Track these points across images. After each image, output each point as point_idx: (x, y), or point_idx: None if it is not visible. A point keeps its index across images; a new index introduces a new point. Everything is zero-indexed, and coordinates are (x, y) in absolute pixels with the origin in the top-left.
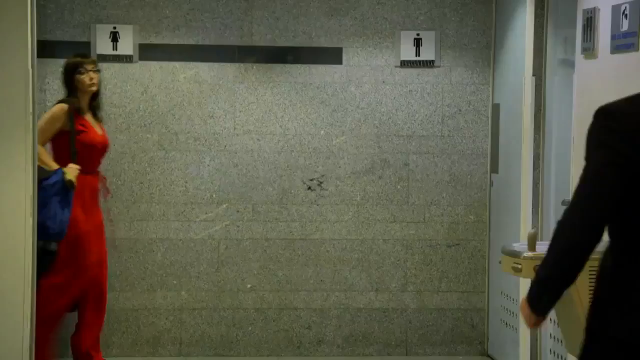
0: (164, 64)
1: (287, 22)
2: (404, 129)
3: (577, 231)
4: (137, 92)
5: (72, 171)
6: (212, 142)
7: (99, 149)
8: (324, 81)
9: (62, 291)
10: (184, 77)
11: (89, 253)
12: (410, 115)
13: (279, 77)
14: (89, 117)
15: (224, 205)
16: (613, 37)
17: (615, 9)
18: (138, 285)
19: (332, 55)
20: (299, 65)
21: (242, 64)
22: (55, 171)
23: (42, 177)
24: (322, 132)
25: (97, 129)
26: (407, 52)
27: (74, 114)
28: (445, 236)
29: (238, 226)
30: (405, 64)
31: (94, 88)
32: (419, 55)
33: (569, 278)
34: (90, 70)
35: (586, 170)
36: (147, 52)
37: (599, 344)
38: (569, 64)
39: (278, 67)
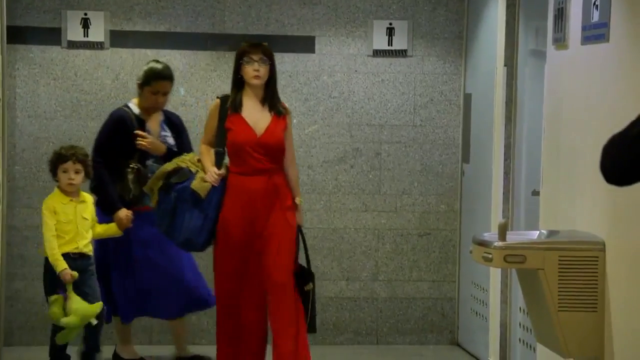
0: (136, 51)
1: (259, 10)
2: (376, 118)
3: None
4: (108, 79)
5: (209, 177)
6: None
7: (249, 149)
8: (296, 70)
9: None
10: None
11: (240, 263)
12: (383, 105)
13: None
14: (252, 113)
15: None
16: (584, 28)
17: (586, 0)
18: None
19: (304, 44)
20: None
21: (214, 52)
22: (190, 176)
23: (181, 179)
24: (294, 120)
25: (256, 126)
26: (380, 41)
27: (228, 109)
28: (417, 225)
29: None
30: (377, 53)
31: (256, 81)
32: (391, 45)
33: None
34: (257, 61)
35: None
36: (119, 39)
37: None
38: (541, 55)
39: None
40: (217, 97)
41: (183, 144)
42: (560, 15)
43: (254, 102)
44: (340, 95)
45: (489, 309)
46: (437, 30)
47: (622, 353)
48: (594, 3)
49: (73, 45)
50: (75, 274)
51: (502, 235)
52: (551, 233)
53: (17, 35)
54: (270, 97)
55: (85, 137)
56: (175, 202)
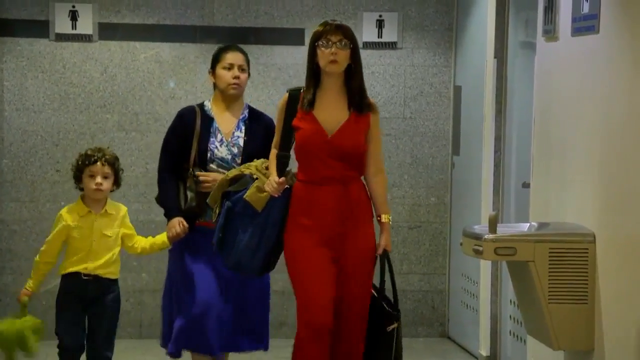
0: (124, 43)
1: (248, 2)
2: None
3: None
4: (96, 71)
5: (267, 185)
6: None
7: (318, 152)
8: (286, 62)
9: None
10: (144, 57)
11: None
12: (373, 97)
13: None
14: (325, 109)
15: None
16: (574, 20)
17: None
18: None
19: (294, 36)
20: (260, 46)
21: (203, 44)
22: (249, 184)
23: (241, 188)
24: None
25: (327, 124)
26: (370, 33)
27: (298, 105)
28: (407, 218)
29: None
30: (367, 45)
31: (333, 67)
32: (381, 37)
33: None
34: (335, 42)
35: None
36: (107, 31)
37: None
38: (531, 47)
39: None
40: (287, 91)
41: (261, 151)
42: (550, 6)
43: (331, 96)
44: None
45: (480, 302)
46: (427, 22)
47: (613, 345)
48: None
49: (61, 37)
50: (25, 299)
51: (493, 228)
52: (541, 225)
53: (5, 27)
54: (350, 90)
55: (74, 130)
56: (227, 215)
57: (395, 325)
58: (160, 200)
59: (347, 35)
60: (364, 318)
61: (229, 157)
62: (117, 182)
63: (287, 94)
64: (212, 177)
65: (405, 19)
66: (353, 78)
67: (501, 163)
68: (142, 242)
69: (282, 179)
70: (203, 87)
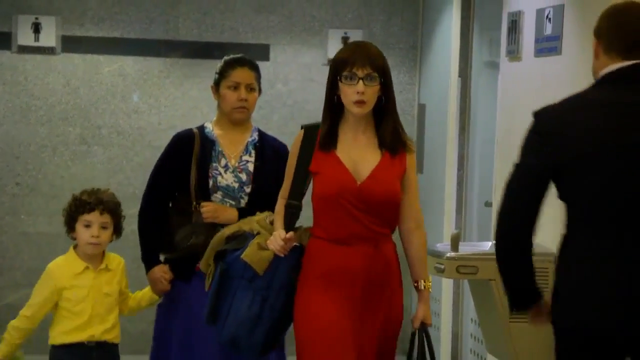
0: (88, 56)
1: (214, 17)
2: None
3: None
4: (59, 84)
5: (272, 242)
6: (136, 137)
7: (344, 203)
8: None
9: None
10: (108, 71)
11: None
12: None
13: (205, 73)
14: (351, 150)
15: None
16: (537, 41)
17: (540, 12)
18: None
19: (259, 52)
20: None
21: (167, 59)
22: (248, 241)
23: (239, 246)
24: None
25: (356, 169)
26: (335, 50)
27: (315, 144)
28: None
29: None
30: None
31: (358, 109)
32: None
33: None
34: (362, 78)
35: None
36: (70, 44)
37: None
38: (494, 66)
39: (204, 63)
40: (302, 127)
41: (273, 182)
42: (514, 27)
43: (356, 134)
44: (295, 103)
45: (441, 319)
46: (392, 40)
47: None
48: (547, 16)
49: (23, 50)
50: None
51: (455, 246)
52: None
53: None
54: (382, 127)
55: (35, 143)
56: (221, 278)
57: None
58: (141, 242)
59: (376, 66)
60: None
61: (236, 185)
62: (117, 231)
63: (302, 131)
64: (213, 207)
65: (370, 36)
66: (385, 113)
67: (464, 181)
68: (131, 302)
69: (291, 233)
70: (167, 102)
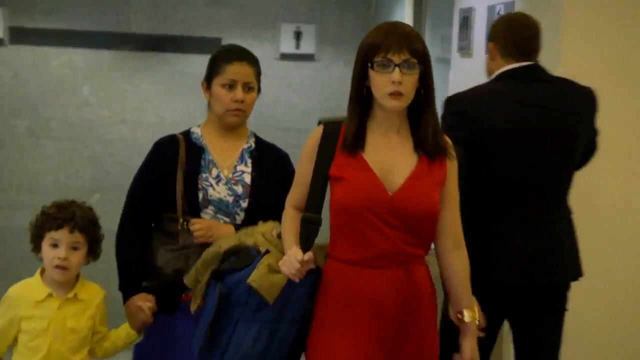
0: (37, 48)
1: (165, 10)
2: (283, 121)
3: None
4: (7, 76)
5: (285, 264)
6: (86, 130)
7: (372, 217)
8: (203, 71)
9: None
10: (57, 63)
11: None
12: (290, 109)
13: (157, 66)
14: (381, 153)
15: (97, 195)
16: (488, 38)
17: (491, 9)
18: (3, 277)
19: (211, 45)
20: (177, 55)
21: (118, 52)
22: (255, 260)
23: (240, 266)
24: (200, 122)
25: (387, 176)
26: (287, 45)
27: (337, 144)
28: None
29: (111, 216)
30: (285, 56)
31: (395, 103)
32: (299, 49)
33: None
34: (398, 65)
35: None
36: (19, 36)
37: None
38: (446, 62)
39: (156, 56)
40: (320, 122)
41: (272, 195)
42: (466, 23)
43: (388, 133)
44: None
45: None
46: (345, 35)
47: None
48: (498, 12)
49: None
50: None
51: None
52: None
53: None
54: (421, 125)
55: None
56: (219, 306)
57: None
58: (118, 267)
59: (415, 51)
60: None
61: (230, 199)
62: (93, 253)
63: (320, 128)
64: (206, 223)
65: (322, 31)
66: (424, 109)
67: None
68: (106, 343)
69: (309, 254)
70: (117, 95)
